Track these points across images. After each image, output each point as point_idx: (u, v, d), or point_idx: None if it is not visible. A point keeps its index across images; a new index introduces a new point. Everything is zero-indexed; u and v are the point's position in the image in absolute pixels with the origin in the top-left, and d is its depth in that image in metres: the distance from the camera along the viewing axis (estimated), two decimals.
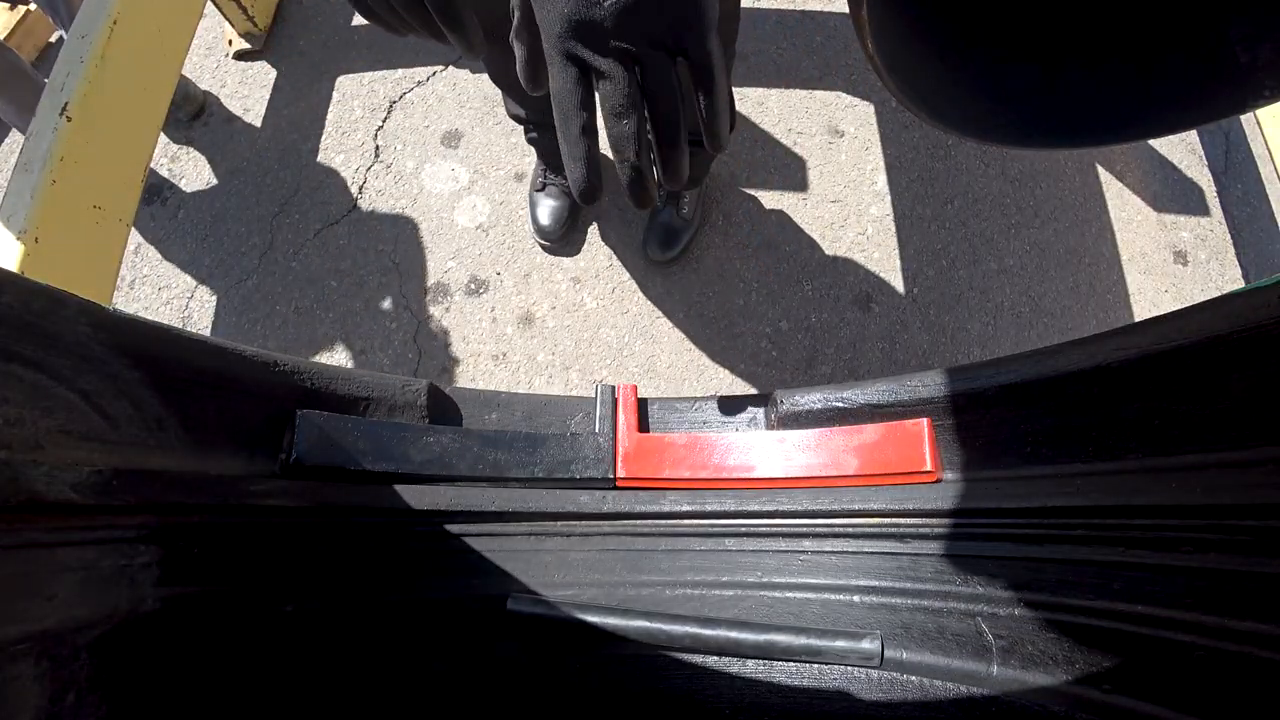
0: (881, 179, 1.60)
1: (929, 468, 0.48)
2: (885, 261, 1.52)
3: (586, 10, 0.32)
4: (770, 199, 1.56)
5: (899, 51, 0.39)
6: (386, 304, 1.51)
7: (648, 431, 0.56)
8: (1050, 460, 0.47)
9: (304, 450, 0.47)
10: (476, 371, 1.45)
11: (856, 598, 0.49)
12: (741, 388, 1.42)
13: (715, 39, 0.33)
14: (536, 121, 1.33)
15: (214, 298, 1.54)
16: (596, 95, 0.35)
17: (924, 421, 0.50)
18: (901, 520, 0.48)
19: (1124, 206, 1.61)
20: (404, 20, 0.39)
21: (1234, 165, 1.67)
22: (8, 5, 1.63)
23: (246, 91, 1.76)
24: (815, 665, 0.47)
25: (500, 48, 1.05)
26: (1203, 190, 1.64)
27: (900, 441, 0.50)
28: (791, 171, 1.58)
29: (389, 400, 0.54)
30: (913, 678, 0.46)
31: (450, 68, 1.71)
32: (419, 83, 1.69)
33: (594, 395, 0.56)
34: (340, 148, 1.65)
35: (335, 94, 1.71)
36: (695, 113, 0.35)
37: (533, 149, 1.48)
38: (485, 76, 1.68)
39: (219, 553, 0.42)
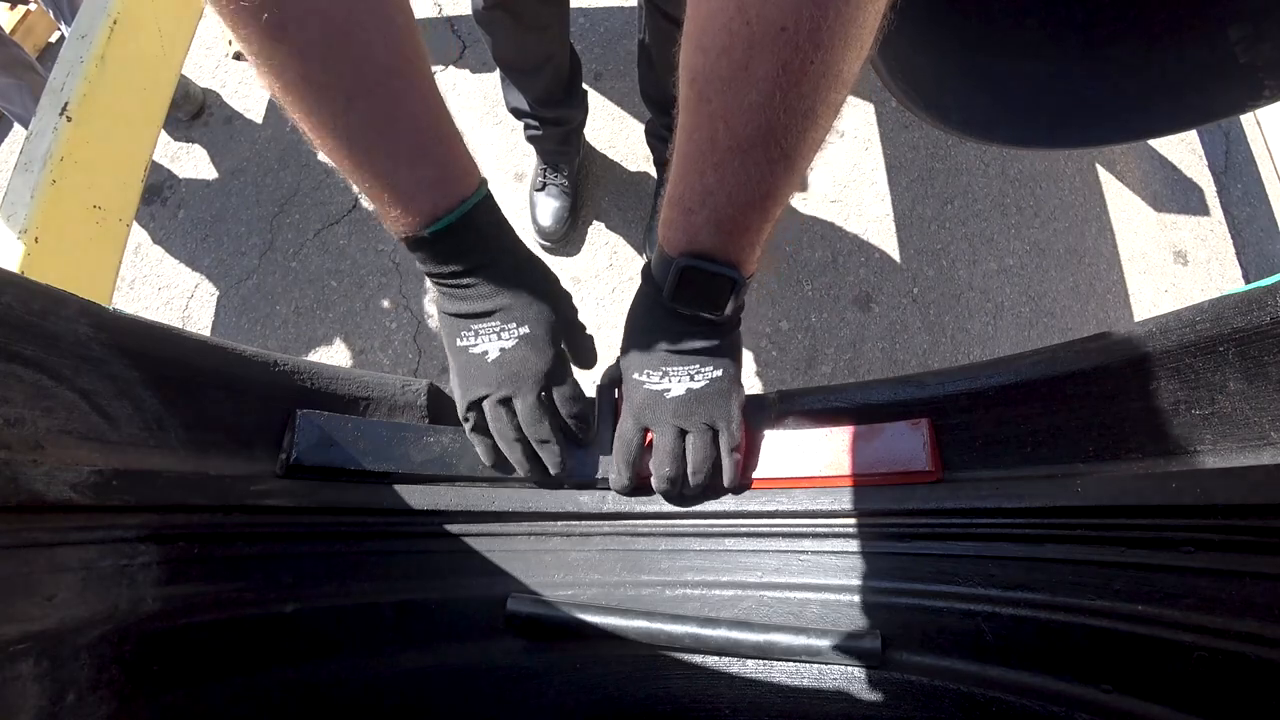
0: (881, 179, 1.59)
1: (929, 468, 0.48)
2: (885, 261, 1.52)
3: (653, 402, 0.50)
4: None
5: (901, 53, 0.39)
6: (386, 304, 1.51)
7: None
8: (1050, 460, 0.47)
9: (304, 450, 0.47)
10: None
11: (856, 598, 0.49)
12: None
13: (739, 421, 0.50)
14: (538, 116, 1.33)
15: (214, 298, 1.54)
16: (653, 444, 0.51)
17: (924, 421, 0.50)
18: (901, 520, 0.48)
19: (1124, 206, 1.61)
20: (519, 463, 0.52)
21: (1234, 165, 1.67)
22: (8, 4, 1.62)
23: (246, 91, 1.75)
24: (815, 665, 0.47)
25: (512, 18, 1.06)
26: (1203, 190, 1.64)
27: (900, 441, 0.50)
28: None
29: (389, 400, 0.54)
30: (913, 678, 0.46)
31: (450, 67, 1.70)
32: None
33: (594, 395, 0.56)
34: None
35: None
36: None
37: (533, 148, 1.47)
38: (486, 76, 1.68)
39: (219, 553, 0.42)
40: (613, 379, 0.55)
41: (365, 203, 1.59)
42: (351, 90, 0.40)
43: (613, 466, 0.52)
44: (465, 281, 0.49)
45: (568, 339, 0.54)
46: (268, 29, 0.36)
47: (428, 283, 1.52)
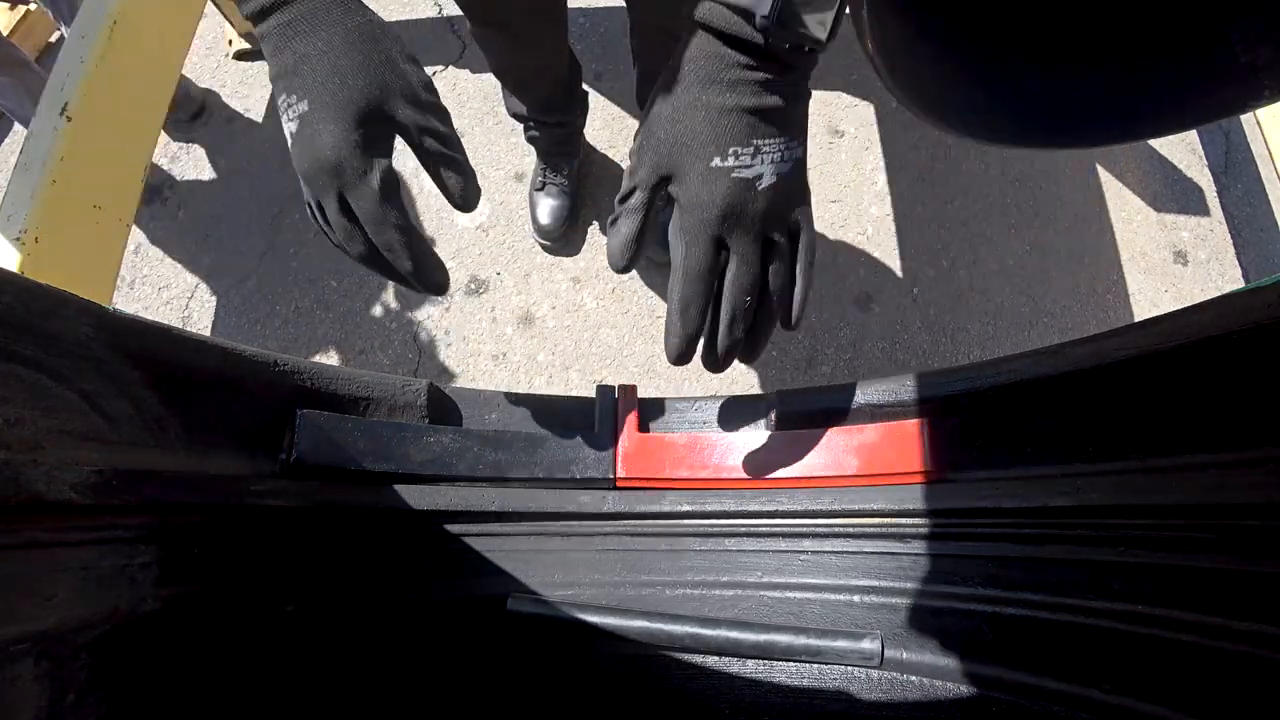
0: (881, 179, 1.59)
1: (929, 468, 0.48)
2: (885, 261, 1.52)
3: (744, 198, 0.35)
4: None
5: (899, 52, 0.39)
6: (387, 304, 1.51)
7: (648, 431, 0.56)
8: (1050, 460, 0.47)
9: (304, 450, 0.47)
10: (476, 371, 1.45)
11: (856, 598, 0.49)
12: (741, 388, 1.42)
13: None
14: (537, 120, 1.33)
15: (214, 298, 1.54)
16: (728, 273, 0.38)
17: (924, 421, 0.50)
18: (901, 520, 0.48)
19: (1124, 206, 1.61)
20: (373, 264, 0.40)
21: (1234, 165, 1.67)
22: (8, 5, 1.62)
23: (246, 91, 1.75)
24: (815, 665, 0.47)
25: (505, 36, 1.05)
26: (1203, 190, 1.64)
27: (900, 441, 0.50)
28: None
29: (389, 400, 0.54)
30: (913, 678, 0.46)
31: (450, 67, 1.70)
32: None
33: (594, 395, 0.56)
34: None
35: None
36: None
37: (533, 148, 1.47)
38: (486, 76, 1.68)
39: (219, 553, 0.42)
40: (642, 202, 0.38)
41: None
42: None
43: (678, 316, 0.38)
44: (270, 31, 0.37)
45: (401, 130, 0.40)
46: None
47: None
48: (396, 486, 0.50)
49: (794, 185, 0.37)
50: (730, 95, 0.35)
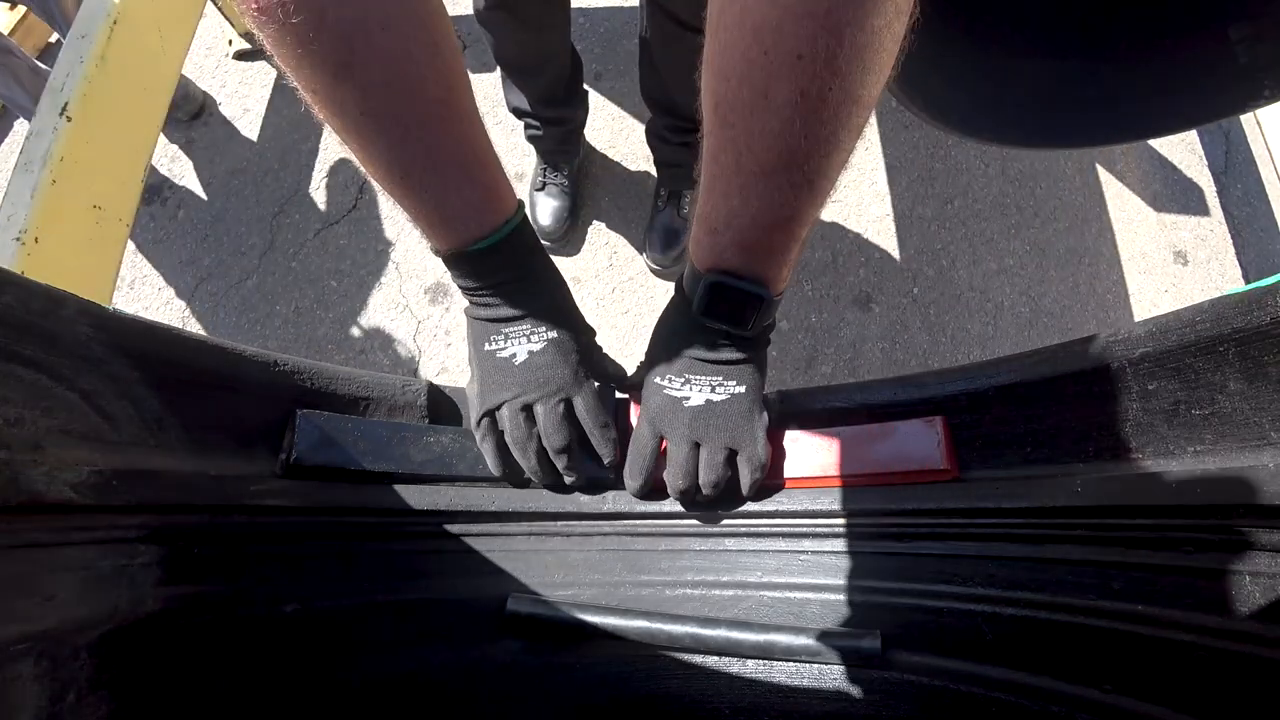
0: (881, 179, 1.60)
1: (929, 467, 0.48)
2: (885, 261, 1.52)
3: (671, 408, 0.50)
4: None
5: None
6: (386, 304, 1.51)
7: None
8: (1050, 460, 0.47)
9: (304, 450, 0.47)
10: None
11: (856, 598, 0.49)
12: None
13: (763, 443, 0.50)
14: (539, 116, 1.33)
15: (214, 298, 1.54)
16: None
17: (938, 420, 0.49)
18: (902, 520, 0.48)
19: (1124, 206, 1.61)
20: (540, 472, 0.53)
21: (1234, 165, 1.67)
22: (8, 5, 1.63)
23: (246, 91, 1.75)
24: (815, 665, 0.47)
25: (513, 18, 1.06)
26: (1203, 190, 1.64)
27: (900, 441, 0.50)
28: None
29: (389, 400, 0.54)
30: (913, 678, 0.46)
31: None
32: None
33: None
34: (340, 147, 1.65)
35: None
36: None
37: (533, 148, 1.47)
38: (486, 76, 1.68)
39: (219, 553, 0.42)
40: (632, 384, 0.55)
41: (365, 203, 1.59)
42: (408, 123, 0.41)
43: (626, 470, 0.52)
44: (500, 293, 0.50)
45: (591, 360, 0.55)
46: (334, 71, 0.38)
47: (427, 280, 1.53)
48: (396, 486, 0.50)
49: (726, 411, 0.49)
50: (677, 341, 0.50)
